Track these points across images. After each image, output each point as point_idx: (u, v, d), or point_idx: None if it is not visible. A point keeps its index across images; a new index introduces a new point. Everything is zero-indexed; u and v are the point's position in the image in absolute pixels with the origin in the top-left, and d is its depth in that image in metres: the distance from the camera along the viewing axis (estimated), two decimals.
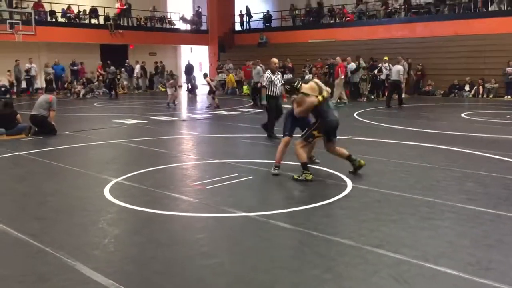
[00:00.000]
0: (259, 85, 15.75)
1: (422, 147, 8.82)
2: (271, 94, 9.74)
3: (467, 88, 19.78)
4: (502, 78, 18.97)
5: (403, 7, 24.72)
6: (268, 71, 9.81)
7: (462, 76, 19.87)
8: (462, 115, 13.79)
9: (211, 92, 16.76)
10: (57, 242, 4.34)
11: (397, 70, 16.27)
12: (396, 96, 16.54)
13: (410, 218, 4.88)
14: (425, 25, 22.85)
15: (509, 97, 18.47)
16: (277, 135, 9.22)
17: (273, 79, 9.63)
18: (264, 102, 9.84)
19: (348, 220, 4.93)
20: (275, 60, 9.82)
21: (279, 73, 10.07)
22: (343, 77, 16.94)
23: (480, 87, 19.34)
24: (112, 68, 22.27)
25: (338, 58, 18.14)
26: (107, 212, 5.25)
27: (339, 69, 17.17)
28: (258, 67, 16.37)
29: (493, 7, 22.05)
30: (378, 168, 7.19)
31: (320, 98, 6.39)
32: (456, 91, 19.92)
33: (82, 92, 21.64)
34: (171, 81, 17.75)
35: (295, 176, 6.47)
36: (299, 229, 4.57)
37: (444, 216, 4.92)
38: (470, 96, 19.47)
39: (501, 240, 4.26)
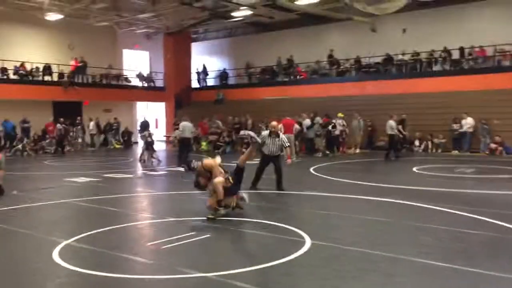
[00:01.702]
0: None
1: (378, 202, 8.94)
2: (265, 152, 10.38)
3: (417, 143, 20.52)
4: (449, 133, 19.84)
5: (353, 66, 25.84)
6: (267, 131, 10.52)
7: (412, 132, 20.65)
8: (414, 169, 14.19)
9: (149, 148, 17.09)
10: None
11: (390, 125, 16.93)
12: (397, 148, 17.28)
13: (370, 274, 4.85)
14: (374, 83, 23.89)
15: (456, 151, 19.24)
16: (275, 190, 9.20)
17: (265, 140, 10.24)
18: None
19: (308, 278, 4.84)
20: (273, 123, 10.65)
21: (278, 137, 10.33)
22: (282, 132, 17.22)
23: (429, 142, 20.11)
24: (58, 125, 22.15)
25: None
26: (56, 276, 4.95)
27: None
28: (184, 122, 15.97)
29: (437, 67, 23.42)
30: (335, 223, 7.22)
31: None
32: (407, 146, 20.62)
33: (11, 151, 20.96)
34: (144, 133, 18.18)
35: (210, 216, 7.29)
36: None
37: (403, 272, 4.92)
38: (420, 151, 20.17)
39: None
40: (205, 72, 30.94)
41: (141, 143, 17.56)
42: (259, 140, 9.13)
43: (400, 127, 18.11)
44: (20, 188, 11.02)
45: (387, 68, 24.58)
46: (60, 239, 6.34)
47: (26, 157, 20.23)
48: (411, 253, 5.49)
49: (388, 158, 16.90)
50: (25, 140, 22.04)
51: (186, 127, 15.51)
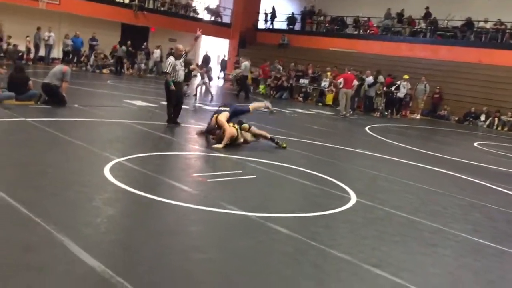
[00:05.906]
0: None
1: (431, 171, 8.63)
2: (175, 79, 9.79)
3: (482, 117, 19.51)
4: None
5: (429, 28, 24.43)
6: (171, 57, 9.90)
7: (479, 105, 19.61)
8: (475, 144, 13.56)
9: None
10: (49, 214, 4.21)
11: None
12: None
13: (412, 241, 4.71)
14: (449, 48, 22.62)
15: None
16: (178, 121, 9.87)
17: (176, 64, 9.71)
18: (172, 87, 9.68)
19: (348, 234, 4.76)
20: (180, 46, 9.97)
21: (183, 58, 9.89)
22: (341, 86, 16.66)
23: (496, 119, 19.07)
24: (123, 48, 23.09)
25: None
26: (104, 191, 5.12)
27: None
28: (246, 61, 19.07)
29: None
30: (384, 186, 7.03)
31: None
32: (471, 119, 19.67)
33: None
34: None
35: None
36: (297, 235, 4.42)
37: (447, 245, 4.75)
38: (485, 126, 19.19)
39: (504, 277, 4.10)
40: (273, 14, 30.26)
41: (199, 77, 17.48)
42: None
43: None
44: (82, 102, 11.40)
45: (465, 34, 23.08)
46: (113, 156, 6.54)
47: (90, 74, 20.87)
48: (459, 228, 5.28)
49: None
50: (92, 58, 22.70)
51: (247, 66, 18.18)
